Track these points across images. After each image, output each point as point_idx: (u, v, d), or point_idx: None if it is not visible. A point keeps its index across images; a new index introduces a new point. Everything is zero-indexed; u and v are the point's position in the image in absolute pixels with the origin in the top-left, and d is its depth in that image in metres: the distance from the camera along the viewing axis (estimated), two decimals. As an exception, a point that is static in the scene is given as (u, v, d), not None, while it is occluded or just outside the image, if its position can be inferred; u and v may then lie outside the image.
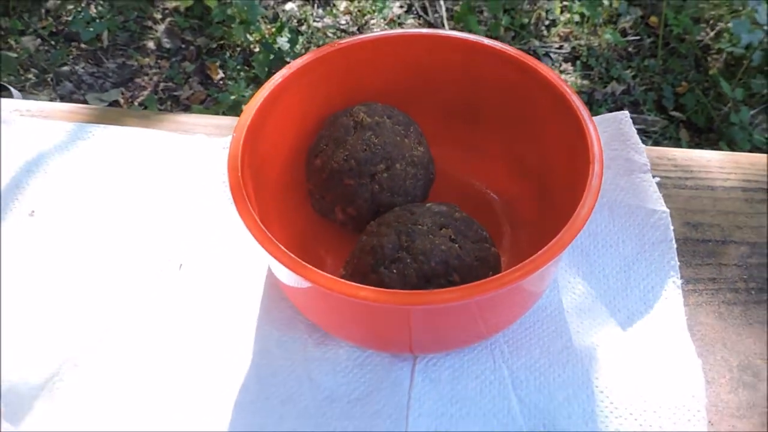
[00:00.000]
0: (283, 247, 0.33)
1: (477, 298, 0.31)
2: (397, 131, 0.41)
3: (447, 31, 0.43)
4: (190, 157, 0.49)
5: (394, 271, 0.35)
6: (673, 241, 0.42)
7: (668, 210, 0.42)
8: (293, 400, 0.38)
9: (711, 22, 1.55)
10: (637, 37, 1.54)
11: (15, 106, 0.53)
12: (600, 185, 0.34)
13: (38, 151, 0.50)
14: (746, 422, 0.37)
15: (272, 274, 0.42)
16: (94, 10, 1.65)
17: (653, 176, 0.44)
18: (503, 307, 0.36)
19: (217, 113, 1.40)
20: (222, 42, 1.57)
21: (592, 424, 0.36)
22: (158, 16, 1.63)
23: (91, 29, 1.56)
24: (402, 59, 0.43)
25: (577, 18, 1.54)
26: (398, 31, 0.48)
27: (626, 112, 0.46)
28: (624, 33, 1.54)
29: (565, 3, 1.58)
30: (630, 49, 1.53)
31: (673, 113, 1.39)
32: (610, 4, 1.57)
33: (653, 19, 1.55)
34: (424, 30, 0.46)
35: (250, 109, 0.39)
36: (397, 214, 0.38)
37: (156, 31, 1.61)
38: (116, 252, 0.44)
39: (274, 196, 0.40)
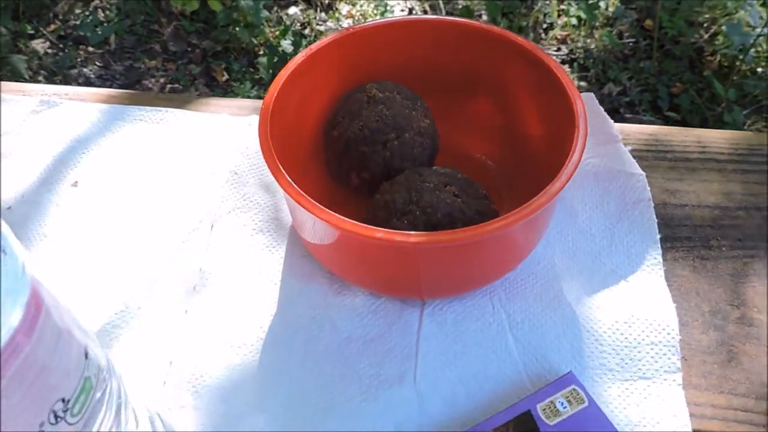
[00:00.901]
0: (308, 197, 0.38)
1: (479, 238, 0.37)
2: (405, 105, 0.47)
3: (447, 17, 0.50)
4: (218, 133, 0.55)
5: (405, 221, 0.41)
6: (651, 200, 0.48)
7: (644, 173, 0.48)
8: (315, 341, 0.44)
9: (705, 25, 1.62)
10: (633, 40, 1.60)
11: (55, 90, 0.59)
12: (584, 144, 0.40)
13: (79, 129, 0.56)
14: (715, 357, 0.43)
15: (294, 232, 0.48)
16: (102, 15, 1.72)
17: (630, 148, 0.50)
18: (502, 249, 0.41)
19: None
20: (227, 45, 1.63)
21: (579, 358, 0.42)
22: (164, 20, 1.69)
23: (99, 33, 1.62)
24: (409, 41, 0.49)
25: (574, 21, 1.61)
26: (405, 17, 0.54)
27: (591, 94, 0.52)
28: (620, 36, 1.61)
29: (562, 7, 1.65)
30: (626, 52, 1.60)
31: (668, 113, 1.46)
32: (606, 8, 1.63)
33: (648, 22, 1.62)
34: (428, 16, 0.52)
35: (276, 84, 0.45)
36: (407, 175, 0.44)
37: (162, 34, 1.68)
38: (152, 215, 0.50)
39: (295, 165, 0.46)
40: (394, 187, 0.43)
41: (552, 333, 0.43)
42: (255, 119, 0.56)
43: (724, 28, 1.55)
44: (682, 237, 0.48)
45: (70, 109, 0.57)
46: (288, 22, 1.66)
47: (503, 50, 0.47)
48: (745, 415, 0.41)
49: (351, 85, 0.49)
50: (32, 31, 1.66)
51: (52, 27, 1.69)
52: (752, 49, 1.48)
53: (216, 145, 0.54)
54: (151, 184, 0.52)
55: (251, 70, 1.59)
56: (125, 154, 0.54)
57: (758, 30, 1.48)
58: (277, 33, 1.62)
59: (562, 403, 0.39)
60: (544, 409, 0.39)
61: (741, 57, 1.50)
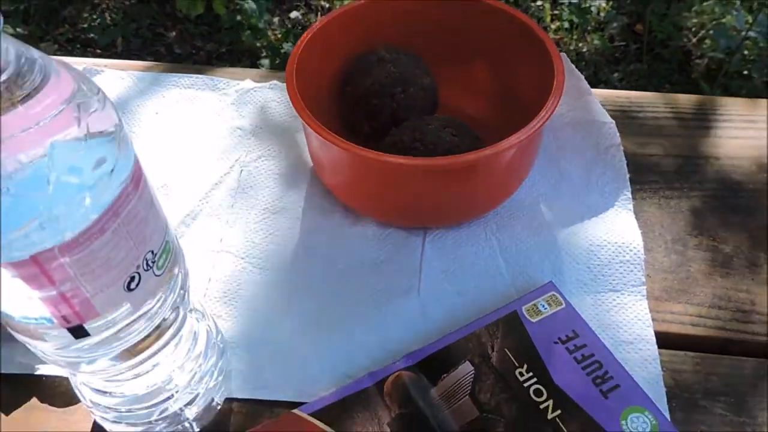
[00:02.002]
0: (327, 130, 0.47)
1: (472, 163, 0.46)
2: (410, 64, 0.56)
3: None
4: (244, 94, 0.64)
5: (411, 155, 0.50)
6: (621, 145, 0.57)
7: (614, 121, 0.57)
8: (332, 263, 0.52)
9: (693, 29, 1.73)
10: (624, 44, 1.71)
11: (94, 62, 0.68)
12: (562, 89, 0.49)
13: (120, 93, 0.65)
14: (674, 275, 0.51)
15: (314, 174, 0.57)
16: (109, 18, 1.81)
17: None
18: (493, 177, 0.50)
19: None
20: (231, 47, 1.73)
21: (558, 275, 0.51)
22: (169, 23, 1.79)
23: (106, 36, 1.71)
24: (411, 11, 0.58)
25: (566, 25, 1.71)
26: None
27: (564, 54, 0.60)
28: (611, 39, 1.71)
29: (555, 11, 1.75)
30: (617, 55, 1.70)
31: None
32: (598, 12, 1.74)
33: (638, 26, 1.72)
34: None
35: (298, 46, 0.54)
36: (412, 121, 0.53)
37: (168, 37, 1.77)
38: (189, 163, 0.59)
39: (314, 114, 0.55)
40: (401, 130, 0.52)
41: (536, 255, 0.52)
42: (276, 83, 0.65)
43: (711, 32, 1.66)
44: (650, 181, 0.57)
45: (111, 76, 0.66)
46: (289, 25, 1.76)
47: (500, 21, 0.56)
48: (699, 320, 0.49)
49: (362, 49, 0.58)
50: (41, 34, 1.75)
51: (61, 30, 1.78)
52: (738, 53, 1.58)
53: (242, 105, 0.63)
54: (187, 138, 0.61)
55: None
56: (163, 113, 0.63)
57: (744, 33, 1.58)
58: (279, 36, 1.72)
59: (543, 305, 0.48)
60: (528, 310, 0.48)
61: (727, 60, 1.60)
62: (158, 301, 0.35)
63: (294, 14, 1.82)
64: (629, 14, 1.75)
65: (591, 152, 0.57)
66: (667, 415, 0.43)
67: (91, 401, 0.41)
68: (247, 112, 0.63)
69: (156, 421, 0.42)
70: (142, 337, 0.35)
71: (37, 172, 0.26)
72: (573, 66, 0.58)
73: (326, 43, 0.56)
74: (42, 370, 0.47)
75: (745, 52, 1.64)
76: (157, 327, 0.36)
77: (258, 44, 1.70)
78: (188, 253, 0.51)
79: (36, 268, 0.29)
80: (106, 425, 0.42)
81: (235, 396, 0.47)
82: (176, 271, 0.36)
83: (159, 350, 0.37)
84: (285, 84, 0.51)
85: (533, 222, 0.54)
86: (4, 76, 0.26)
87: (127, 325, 0.34)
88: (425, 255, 0.53)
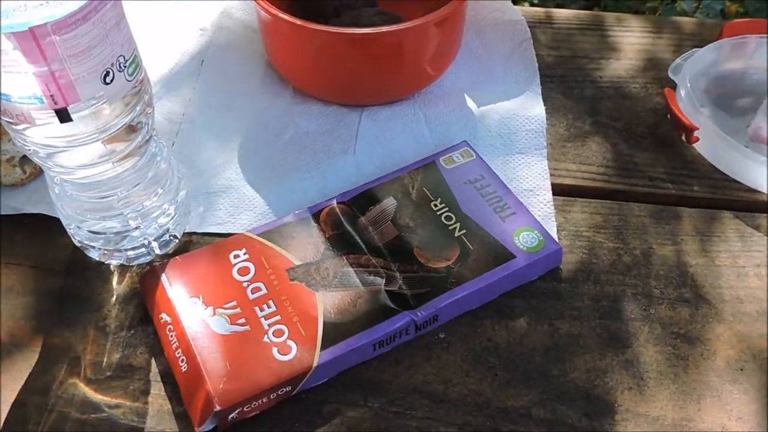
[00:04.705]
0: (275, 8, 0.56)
1: (400, 36, 0.56)
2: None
3: None
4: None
5: (348, 35, 0.59)
6: (531, 40, 0.66)
7: (524, 18, 0.67)
8: (283, 134, 0.61)
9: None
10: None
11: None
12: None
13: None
14: (572, 143, 0.61)
15: (268, 63, 0.66)
16: None
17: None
18: (419, 52, 0.59)
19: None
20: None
21: (474, 141, 0.60)
22: None
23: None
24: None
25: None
26: None
27: None
28: (566, 19, 1.82)
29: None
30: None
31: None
32: (555, -6, 1.85)
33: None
34: None
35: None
36: (351, 11, 0.62)
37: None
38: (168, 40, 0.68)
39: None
40: (341, 18, 0.62)
41: (456, 126, 0.61)
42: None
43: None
44: (558, 75, 0.67)
45: None
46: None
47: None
48: (590, 175, 0.59)
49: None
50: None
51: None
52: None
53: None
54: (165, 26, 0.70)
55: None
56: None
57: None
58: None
59: (457, 157, 0.57)
60: (444, 160, 0.57)
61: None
62: (128, 103, 0.44)
63: None
64: (584, -4, 1.86)
65: (507, 48, 0.67)
66: (555, 237, 0.53)
67: (77, 227, 0.50)
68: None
69: (125, 249, 0.51)
70: (114, 130, 0.44)
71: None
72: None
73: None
74: (28, 209, 0.55)
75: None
76: (129, 127, 0.45)
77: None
78: (166, 96, 0.59)
79: (33, 42, 0.37)
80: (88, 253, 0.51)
81: (193, 231, 0.55)
82: (144, 89, 0.45)
83: (126, 152, 0.46)
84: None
85: (456, 102, 0.63)
86: None
87: (103, 114, 0.43)
88: (361, 125, 0.62)
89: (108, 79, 0.42)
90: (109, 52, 0.41)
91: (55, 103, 0.40)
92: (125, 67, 0.43)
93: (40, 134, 0.42)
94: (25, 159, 0.56)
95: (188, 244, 0.55)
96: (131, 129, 0.45)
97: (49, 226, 0.55)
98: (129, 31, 0.43)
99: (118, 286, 0.52)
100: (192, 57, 0.68)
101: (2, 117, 0.42)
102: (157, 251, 0.53)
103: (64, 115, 0.41)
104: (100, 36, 0.40)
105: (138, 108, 0.45)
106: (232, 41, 0.69)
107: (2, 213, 0.55)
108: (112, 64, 0.42)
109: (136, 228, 0.51)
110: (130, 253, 0.52)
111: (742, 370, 0.47)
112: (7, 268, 0.53)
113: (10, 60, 0.38)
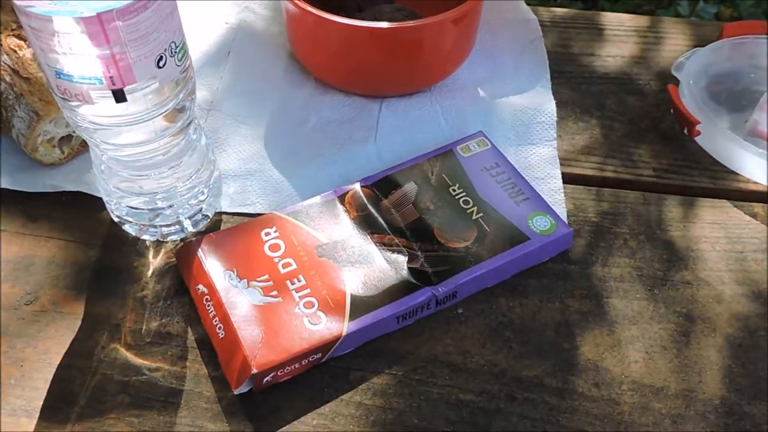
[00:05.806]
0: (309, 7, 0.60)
1: (420, 32, 0.59)
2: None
3: None
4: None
5: (371, 30, 0.63)
6: (542, 38, 0.70)
7: (536, 17, 0.71)
8: (305, 122, 0.65)
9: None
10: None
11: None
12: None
13: None
14: (581, 136, 0.65)
15: (292, 55, 0.69)
16: None
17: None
18: (437, 47, 0.63)
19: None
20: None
21: (488, 132, 0.64)
22: None
23: None
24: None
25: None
26: None
27: None
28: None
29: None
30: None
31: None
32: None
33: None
34: None
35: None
36: (373, 8, 0.66)
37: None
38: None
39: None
40: (363, 14, 0.65)
41: (471, 118, 0.65)
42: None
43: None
44: (567, 71, 0.71)
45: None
46: None
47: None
48: (598, 166, 0.63)
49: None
50: None
51: None
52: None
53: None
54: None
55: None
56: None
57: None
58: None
59: (474, 146, 0.61)
60: (461, 149, 0.61)
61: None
62: (176, 86, 0.47)
63: None
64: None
65: (519, 45, 0.71)
66: (565, 221, 0.57)
67: (116, 204, 0.53)
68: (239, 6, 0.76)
69: (160, 225, 0.55)
70: (162, 111, 0.48)
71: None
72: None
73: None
74: (67, 187, 0.59)
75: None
76: (175, 109, 0.48)
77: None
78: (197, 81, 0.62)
79: (99, 27, 0.41)
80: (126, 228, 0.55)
81: (224, 211, 0.59)
82: (189, 75, 0.49)
83: (171, 132, 0.50)
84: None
85: (471, 96, 0.67)
86: None
87: (154, 96, 0.46)
88: (381, 115, 0.65)
89: (161, 63, 0.45)
90: (163, 38, 0.45)
91: (113, 84, 0.44)
92: (176, 52, 0.46)
93: (95, 112, 0.46)
94: (63, 140, 0.60)
95: (218, 222, 0.58)
96: (177, 111, 0.49)
97: (86, 204, 0.58)
98: (180, 20, 0.47)
99: (153, 260, 0.55)
100: (219, 49, 0.71)
101: (59, 95, 0.46)
102: (190, 229, 0.56)
103: (119, 96, 0.45)
104: (156, 23, 0.43)
105: (184, 92, 0.49)
106: (255, 35, 0.73)
107: (42, 191, 0.59)
108: (165, 50, 0.45)
109: (170, 206, 0.54)
110: (164, 229, 0.56)
111: (740, 346, 0.51)
112: (47, 241, 0.57)
113: (75, 43, 0.41)
